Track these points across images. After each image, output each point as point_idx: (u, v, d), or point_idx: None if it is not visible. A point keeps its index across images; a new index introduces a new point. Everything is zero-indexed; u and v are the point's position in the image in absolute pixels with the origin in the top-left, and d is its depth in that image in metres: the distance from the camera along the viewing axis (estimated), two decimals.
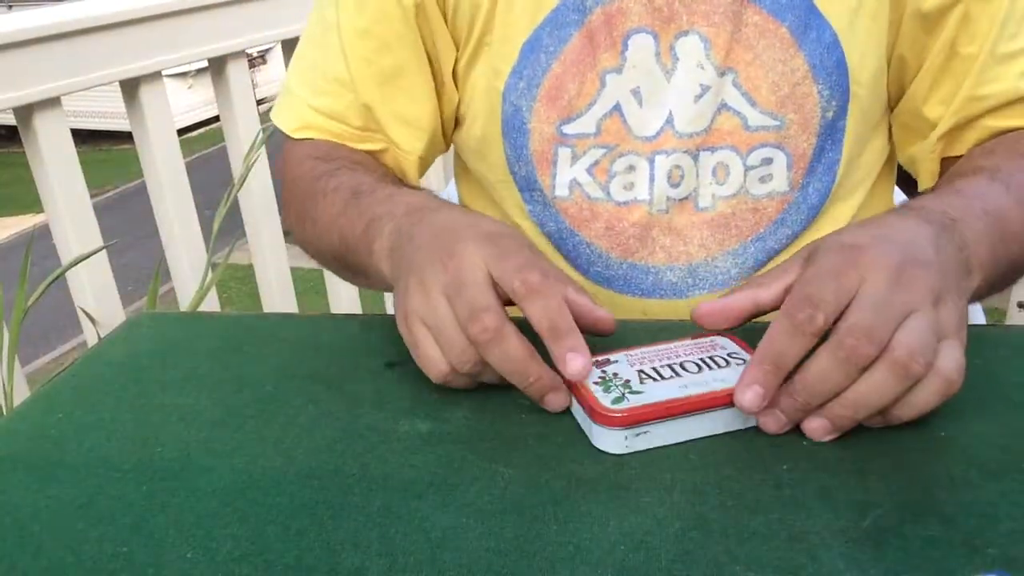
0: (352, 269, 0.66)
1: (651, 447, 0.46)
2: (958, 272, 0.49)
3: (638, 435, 0.46)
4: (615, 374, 0.49)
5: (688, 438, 0.46)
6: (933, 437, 0.45)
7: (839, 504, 0.40)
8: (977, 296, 0.55)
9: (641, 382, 0.48)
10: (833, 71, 0.66)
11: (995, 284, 0.57)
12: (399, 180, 0.74)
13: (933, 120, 0.69)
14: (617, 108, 0.68)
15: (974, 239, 0.52)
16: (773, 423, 0.46)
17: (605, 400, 0.46)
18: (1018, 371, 0.51)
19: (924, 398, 0.44)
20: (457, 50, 0.73)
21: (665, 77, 0.67)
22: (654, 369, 0.49)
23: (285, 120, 0.77)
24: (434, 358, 0.50)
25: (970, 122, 0.68)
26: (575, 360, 0.47)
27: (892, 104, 0.73)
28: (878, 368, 0.43)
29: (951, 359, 0.44)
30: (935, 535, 0.38)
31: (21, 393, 1.24)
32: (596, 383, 0.48)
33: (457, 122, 0.78)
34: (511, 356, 0.47)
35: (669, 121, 0.68)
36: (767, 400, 0.45)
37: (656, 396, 0.46)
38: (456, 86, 0.75)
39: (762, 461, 0.44)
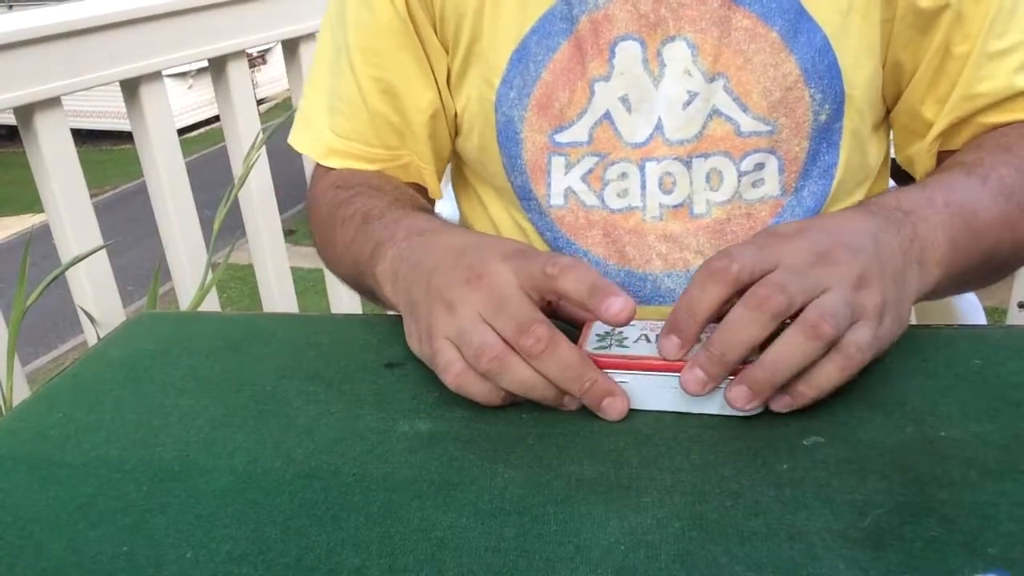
0: (368, 292, 0.67)
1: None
2: (902, 264, 0.51)
3: None
4: (620, 331, 0.51)
5: (645, 407, 0.49)
6: (933, 437, 0.45)
7: (839, 504, 0.40)
8: (946, 289, 0.57)
9: (635, 341, 0.50)
10: (825, 74, 0.66)
11: (968, 277, 0.59)
12: (416, 198, 0.76)
13: (930, 120, 0.70)
14: (607, 116, 0.68)
15: (928, 230, 0.53)
16: (692, 381, 0.46)
17: (591, 345, 0.50)
18: (1018, 371, 0.51)
19: (825, 373, 0.46)
20: (448, 56, 0.74)
21: (653, 84, 0.67)
22: (656, 335, 0.51)
23: (308, 146, 0.79)
24: (450, 361, 0.49)
25: (965, 120, 0.68)
26: (615, 302, 0.46)
27: (890, 106, 0.73)
28: (790, 330, 0.45)
29: (858, 336, 0.46)
30: (935, 535, 0.38)
31: (21, 393, 1.24)
32: (598, 334, 0.51)
33: (456, 131, 0.79)
34: (566, 362, 0.47)
35: (659, 128, 0.68)
36: (681, 344, 0.47)
37: (633, 353, 0.49)
38: (451, 95, 0.76)
39: (762, 461, 0.44)
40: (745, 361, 0.46)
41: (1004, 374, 0.50)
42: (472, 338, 0.48)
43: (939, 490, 0.41)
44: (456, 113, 0.76)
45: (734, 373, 0.46)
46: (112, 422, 0.52)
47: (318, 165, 0.80)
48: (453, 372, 0.49)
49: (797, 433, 0.46)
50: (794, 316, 0.46)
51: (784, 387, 0.46)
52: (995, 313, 1.99)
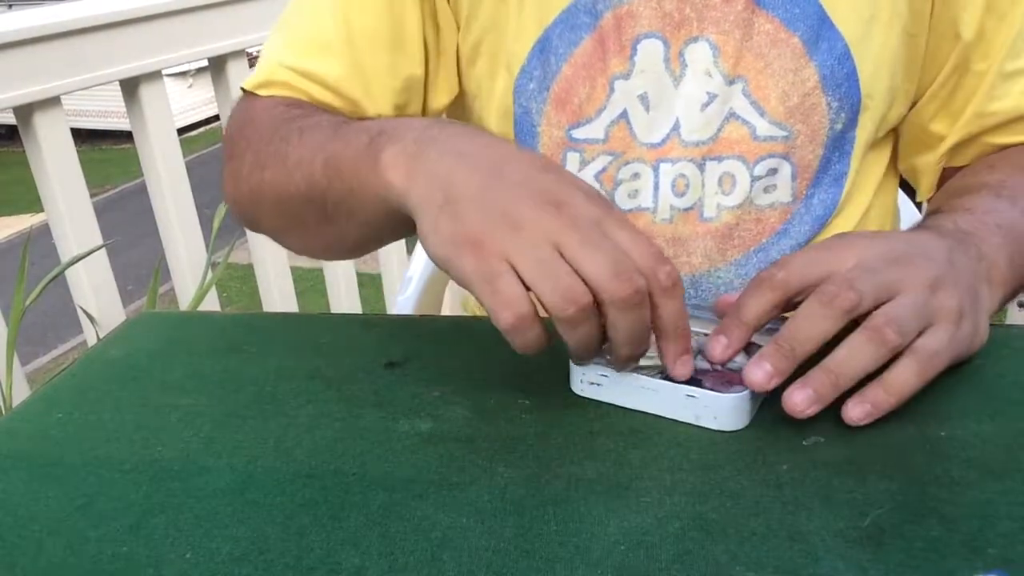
0: (328, 202, 0.56)
1: (599, 399, 0.50)
2: (975, 278, 0.51)
3: (592, 383, 0.49)
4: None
5: (635, 407, 0.49)
6: (933, 437, 0.45)
7: (839, 504, 0.40)
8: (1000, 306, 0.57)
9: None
10: (843, 83, 0.66)
11: (1016, 292, 0.59)
12: None
13: (941, 133, 0.71)
14: (624, 115, 0.68)
15: (990, 250, 0.54)
16: (759, 374, 0.45)
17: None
18: (1018, 371, 0.51)
19: (903, 378, 0.45)
20: (458, 31, 0.71)
21: (673, 84, 0.67)
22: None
23: (250, 82, 0.71)
24: (518, 296, 0.43)
25: (973, 138, 0.70)
26: (686, 365, 0.47)
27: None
28: (855, 334, 0.45)
29: (933, 340, 0.46)
30: (935, 535, 0.38)
31: (21, 393, 1.24)
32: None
33: (468, 112, 0.76)
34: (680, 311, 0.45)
35: (676, 128, 0.67)
36: (727, 346, 0.48)
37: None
38: (459, 75, 0.73)
39: (762, 461, 0.44)
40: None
41: (1004, 374, 0.50)
42: (560, 278, 0.42)
43: (939, 490, 0.41)
44: (459, 95, 0.74)
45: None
46: (112, 422, 0.52)
47: (246, 95, 0.71)
48: (515, 312, 0.43)
49: (797, 433, 0.46)
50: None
51: (863, 395, 0.45)
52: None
